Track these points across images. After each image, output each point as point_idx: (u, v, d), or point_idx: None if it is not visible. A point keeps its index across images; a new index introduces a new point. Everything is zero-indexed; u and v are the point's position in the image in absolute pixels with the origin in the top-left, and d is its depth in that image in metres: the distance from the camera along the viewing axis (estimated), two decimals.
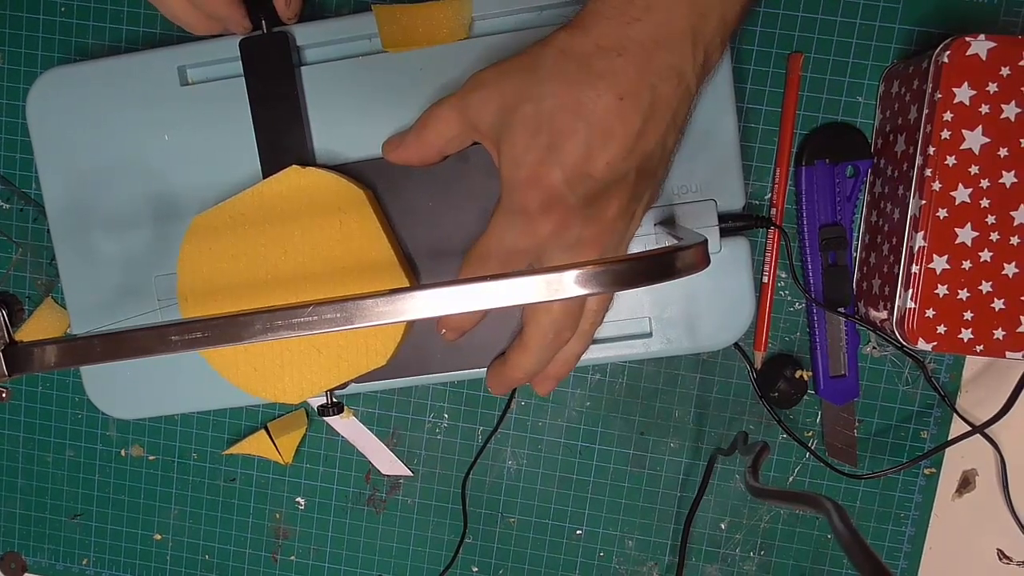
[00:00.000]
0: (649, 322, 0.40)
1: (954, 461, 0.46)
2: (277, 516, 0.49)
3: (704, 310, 0.40)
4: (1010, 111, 0.36)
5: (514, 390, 0.47)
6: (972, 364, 0.45)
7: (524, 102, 0.31)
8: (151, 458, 0.49)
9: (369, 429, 0.48)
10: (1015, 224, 0.37)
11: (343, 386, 0.39)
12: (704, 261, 0.27)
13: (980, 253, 0.37)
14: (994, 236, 0.37)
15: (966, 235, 0.37)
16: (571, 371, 0.39)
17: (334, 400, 0.40)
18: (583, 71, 0.30)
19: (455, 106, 0.35)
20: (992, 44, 0.36)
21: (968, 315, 0.37)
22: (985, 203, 0.37)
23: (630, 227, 0.35)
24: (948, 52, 0.36)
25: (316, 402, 0.46)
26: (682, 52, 0.30)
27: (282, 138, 0.39)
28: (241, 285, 0.38)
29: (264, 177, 0.39)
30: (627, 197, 0.33)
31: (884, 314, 0.40)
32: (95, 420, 0.49)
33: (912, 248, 0.38)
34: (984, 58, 0.36)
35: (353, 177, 0.38)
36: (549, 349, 0.36)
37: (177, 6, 0.37)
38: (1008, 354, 0.38)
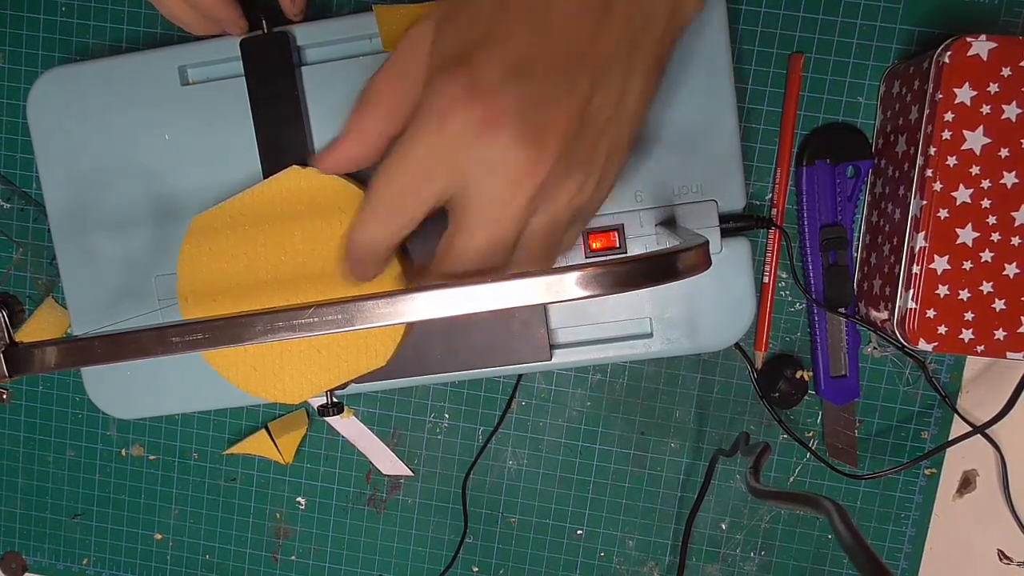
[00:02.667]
0: (650, 322, 0.40)
1: (954, 461, 0.46)
2: (277, 516, 0.50)
3: (705, 310, 0.40)
4: (1011, 111, 0.36)
5: (514, 390, 0.47)
6: (973, 364, 0.45)
7: (463, 6, 0.27)
8: (151, 458, 0.49)
9: (369, 429, 0.48)
10: (1016, 224, 0.37)
11: (343, 386, 0.39)
12: (705, 262, 0.27)
13: (981, 253, 0.37)
14: (995, 236, 0.37)
15: (967, 235, 0.37)
16: None
17: (334, 400, 0.40)
18: None
19: (390, 62, 0.29)
20: (993, 44, 0.36)
21: (969, 315, 0.37)
22: (986, 203, 0.37)
23: (581, 171, 0.28)
24: (949, 52, 0.36)
25: (316, 402, 0.46)
26: None
27: (282, 138, 0.39)
28: (241, 285, 0.38)
29: (264, 177, 0.39)
30: (576, 118, 0.26)
31: (885, 314, 0.40)
32: (95, 420, 0.49)
33: (913, 248, 0.37)
34: (985, 58, 0.36)
35: (353, 177, 0.38)
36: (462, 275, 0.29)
37: (175, 6, 0.37)
38: (1009, 354, 0.38)
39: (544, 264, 0.30)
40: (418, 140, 0.27)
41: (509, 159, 0.26)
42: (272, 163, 0.39)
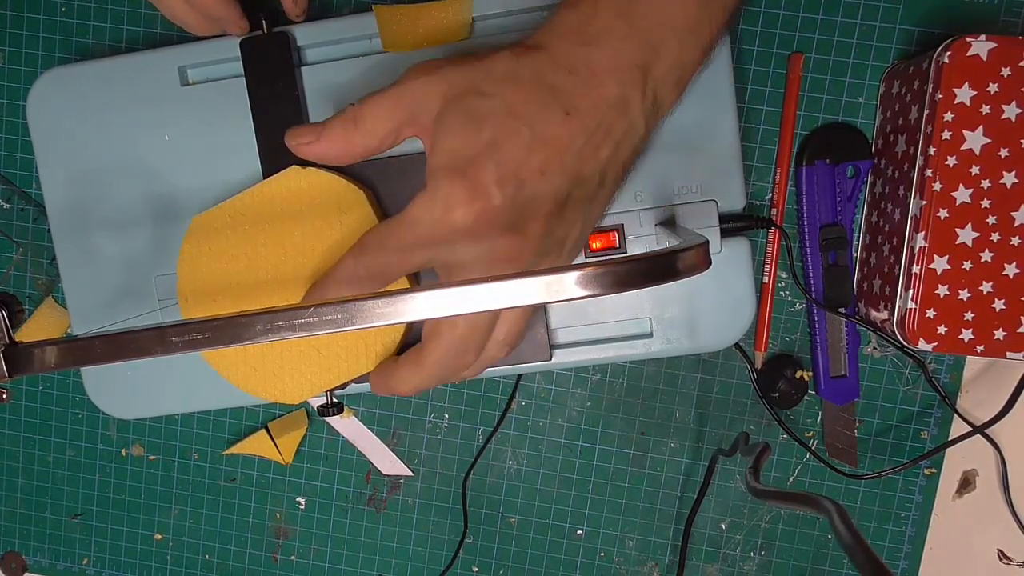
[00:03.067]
0: (650, 322, 0.40)
1: (954, 461, 0.46)
2: (277, 516, 0.49)
3: (705, 310, 0.40)
4: (1011, 111, 0.36)
5: (514, 390, 0.47)
6: (972, 364, 0.45)
7: (472, 95, 0.31)
8: (151, 458, 0.49)
9: (369, 429, 0.48)
10: (1016, 224, 0.37)
11: (343, 386, 0.39)
12: (705, 262, 0.27)
13: (981, 253, 0.37)
14: (995, 236, 0.37)
15: (967, 235, 0.37)
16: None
17: (334, 400, 0.40)
18: (535, 80, 0.30)
19: (394, 96, 0.32)
20: (993, 44, 0.36)
21: (969, 315, 0.37)
22: (986, 203, 0.37)
23: (553, 256, 0.33)
24: (949, 52, 0.36)
25: (316, 402, 0.46)
26: (630, 85, 0.30)
27: (282, 138, 0.39)
28: (241, 285, 0.38)
29: (264, 177, 0.39)
30: (554, 218, 0.31)
31: (885, 314, 0.40)
32: (95, 420, 0.49)
33: (913, 248, 0.37)
34: (985, 58, 0.36)
35: (353, 177, 0.38)
36: (446, 371, 0.34)
37: (175, 5, 0.37)
38: (1009, 354, 0.38)
39: (522, 328, 0.36)
40: (423, 217, 0.31)
41: (496, 248, 0.31)
42: (272, 163, 0.39)
